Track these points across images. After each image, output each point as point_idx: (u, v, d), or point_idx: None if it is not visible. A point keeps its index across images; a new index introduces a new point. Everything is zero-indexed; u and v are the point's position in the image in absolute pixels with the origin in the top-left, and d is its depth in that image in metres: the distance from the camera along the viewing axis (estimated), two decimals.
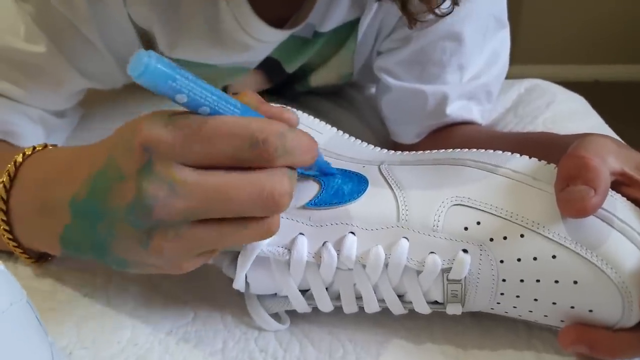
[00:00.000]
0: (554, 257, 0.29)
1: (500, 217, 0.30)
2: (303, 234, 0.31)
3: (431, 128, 0.54)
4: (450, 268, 0.30)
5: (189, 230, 0.26)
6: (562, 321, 0.31)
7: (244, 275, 0.31)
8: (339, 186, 0.32)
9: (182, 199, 0.25)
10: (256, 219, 0.27)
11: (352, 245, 0.30)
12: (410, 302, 0.32)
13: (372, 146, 0.37)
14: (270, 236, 0.28)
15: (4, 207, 0.33)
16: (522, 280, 0.30)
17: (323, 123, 0.38)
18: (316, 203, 0.31)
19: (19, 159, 0.34)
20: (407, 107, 0.54)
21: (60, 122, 0.51)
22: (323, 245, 0.30)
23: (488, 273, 0.30)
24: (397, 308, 0.32)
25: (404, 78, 0.53)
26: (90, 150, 0.30)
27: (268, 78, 0.60)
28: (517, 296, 0.30)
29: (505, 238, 0.29)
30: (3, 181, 0.33)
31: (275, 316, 0.34)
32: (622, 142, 0.32)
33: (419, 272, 0.30)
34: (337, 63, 0.58)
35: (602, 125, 0.62)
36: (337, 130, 0.38)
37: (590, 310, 0.29)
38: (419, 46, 0.51)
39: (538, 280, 0.29)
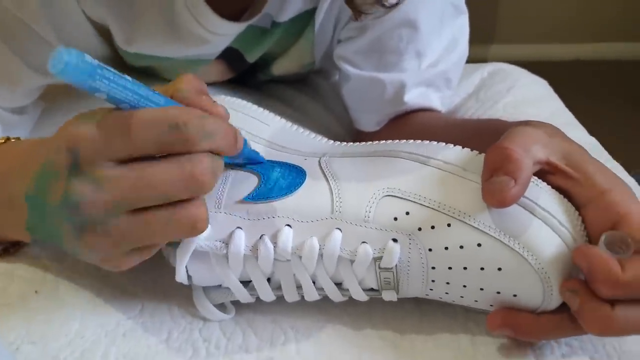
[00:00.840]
0: (479, 245, 0.30)
1: (428, 207, 0.31)
2: (241, 228, 0.32)
3: (390, 116, 0.55)
4: (381, 257, 0.31)
5: (117, 224, 0.27)
6: (491, 305, 0.32)
7: (184, 268, 0.32)
8: (277, 180, 0.33)
9: (107, 194, 0.27)
10: (181, 207, 0.28)
11: (287, 238, 0.31)
12: (348, 290, 0.33)
13: (320, 137, 0.38)
14: (199, 230, 0.29)
15: None
16: (450, 268, 0.31)
17: (272, 115, 0.39)
18: (253, 197, 0.32)
19: None
20: (366, 96, 0.55)
21: (19, 119, 0.51)
22: (260, 238, 0.31)
23: (417, 261, 0.31)
24: (335, 296, 0.33)
25: (363, 66, 0.54)
26: (40, 145, 0.31)
27: (230, 68, 0.60)
28: (447, 283, 0.31)
29: (433, 227, 0.30)
30: None
31: (221, 306, 0.35)
32: (559, 130, 0.33)
33: (352, 262, 0.31)
34: (298, 52, 0.58)
35: (563, 110, 0.63)
36: (286, 121, 0.39)
37: (515, 295, 0.30)
38: (376, 35, 0.52)
39: (465, 268, 0.30)
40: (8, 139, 0.37)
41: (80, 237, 0.28)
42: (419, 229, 0.30)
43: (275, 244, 0.31)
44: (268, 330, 0.34)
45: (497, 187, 0.29)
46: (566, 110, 0.63)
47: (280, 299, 0.34)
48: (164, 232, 0.28)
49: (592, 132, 0.58)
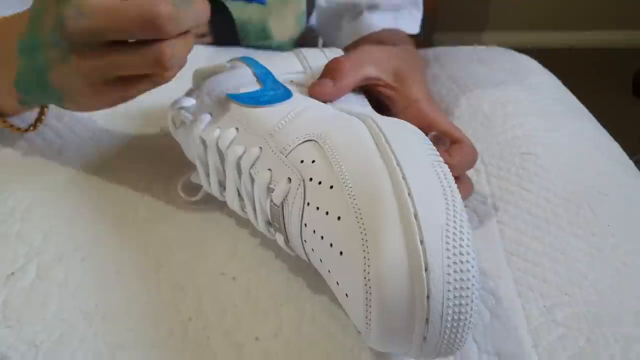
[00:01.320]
0: (339, 218, 0.27)
1: (330, 163, 0.29)
2: (211, 114, 0.36)
3: (358, 36, 0.62)
4: (274, 190, 0.30)
5: (96, 50, 0.32)
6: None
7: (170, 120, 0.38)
8: (262, 95, 0.35)
9: (86, 19, 0.31)
10: (146, 44, 0.31)
11: (227, 137, 0.34)
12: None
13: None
14: (161, 65, 0.32)
15: None
16: (314, 232, 0.28)
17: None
18: (234, 96, 0.35)
19: None
20: (340, 21, 0.64)
21: None
22: (217, 129, 0.35)
23: (297, 212, 0.29)
24: (235, 205, 0.35)
25: None
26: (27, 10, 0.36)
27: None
28: (312, 249, 0.29)
29: (320, 183, 0.28)
30: None
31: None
32: (403, 53, 0.43)
33: (253, 181, 0.32)
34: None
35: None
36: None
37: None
38: None
39: (322, 237, 0.28)
40: None
41: (68, 58, 0.32)
42: (310, 179, 0.29)
43: (219, 137, 0.34)
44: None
45: (322, 84, 0.37)
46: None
47: None
48: (132, 60, 0.32)
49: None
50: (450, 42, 0.68)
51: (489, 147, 0.47)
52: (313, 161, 0.29)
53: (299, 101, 0.35)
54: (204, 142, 0.35)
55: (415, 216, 0.24)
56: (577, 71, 2.05)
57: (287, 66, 0.41)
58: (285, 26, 0.64)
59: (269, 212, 0.31)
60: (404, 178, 0.26)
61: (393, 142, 0.28)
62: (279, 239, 0.32)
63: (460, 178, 0.38)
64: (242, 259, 0.36)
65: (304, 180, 0.29)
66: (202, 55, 0.61)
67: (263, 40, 0.65)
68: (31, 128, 0.44)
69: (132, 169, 0.43)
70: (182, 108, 0.37)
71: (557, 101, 0.56)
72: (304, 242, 0.30)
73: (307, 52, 0.44)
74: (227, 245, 0.37)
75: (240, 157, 0.33)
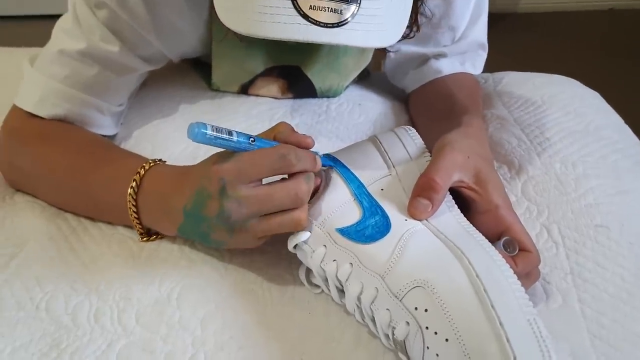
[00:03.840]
0: None
1: (445, 318, 0.37)
2: (325, 246, 0.43)
3: (426, 80, 0.69)
4: (395, 328, 0.38)
5: (253, 224, 0.43)
6: None
7: (293, 247, 0.45)
8: (367, 227, 0.43)
9: (246, 207, 0.42)
10: (290, 212, 0.43)
11: (343, 273, 0.42)
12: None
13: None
14: (300, 226, 0.43)
15: (134, 207, 0.49)
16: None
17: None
18: (342, 231, 0.43)
19: (142, 171, 0.49)
20: (408, 66, 0.70)
21: (121, 108, 0.62)
22: (333, 261, 0.43)
23: (418, 350, 0.38)
24: (357, 316, 0.44)
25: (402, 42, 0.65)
26: (189, 172, 0.46)
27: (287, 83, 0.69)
28: None
29: (436, 333, 0.37)
30: (132, 187, 0.48)
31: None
32: (475, 149, 0.48)
33: (373, 319, 0.41)
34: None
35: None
36: None
37: None
38: None
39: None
40: (156, 161, 0.50)
41: (232, 235, 0.44)
42: (427, 328, 0.37)
43: (337, 270, 0.42)
44: None
45: (420, 206, 0.43)
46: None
47: None
48: (279, 226, 0.43)
49: (627, 85, 0.61)
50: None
51: (564, 217, 0.53)
52: (426, 310, 0.37)
53: (399, 231, 0.42)
54: (323, 271, 0.43)
55: None
56: (617, 33, 2.02)
57: (372, 168, 0.48)
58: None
59: (392, 341, 0.39)
60: (507, 340, 0.34)
61: (492, 294, 0.36)
62: (403, 357, 0.40)
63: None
64: (367, 347, 0.43)
65: (421, 328, 0.37)
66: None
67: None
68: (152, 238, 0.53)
69: (257, 257, 0.50)
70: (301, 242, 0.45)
71: (624, 154, 0.61)
72: None
73: (384, 141, 0.50)
74: (352, 332, 0.44)
75: (360, 294, 0.41)
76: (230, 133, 0.41)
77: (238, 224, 0.43)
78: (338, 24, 0.37)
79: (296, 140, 0.44)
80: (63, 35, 0.55)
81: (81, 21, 0.54)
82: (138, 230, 0.51)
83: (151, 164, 0.50)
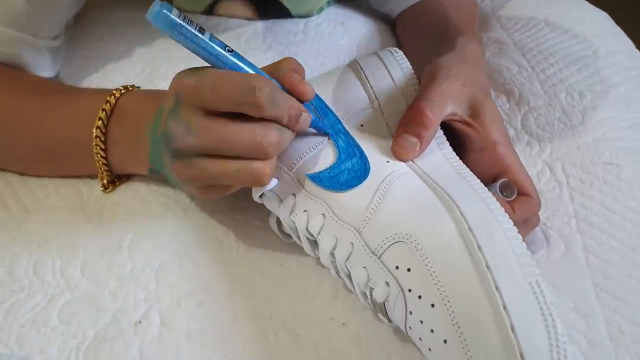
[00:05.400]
0: (444, 341, 0.30)
1: (431, 281, 0.31)
2: (295, 195, 0.37)
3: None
4: (373, 289, 0.33)
5: (198, 161, 0.34)
6: None
7: (258, 196, 0.38)
8: (342, 171, 0.36)
9: (194, 137, 0.33)
10: (249, 162, 0.33)
11: (315, 225, 0.36)
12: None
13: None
14: (261, 183, 0.34)
15: (102, 143, 0.41)
16: (420, 339, 0.32)
17: None
18: (315, 178, 0.36)
19: (113, 99, 0.41)
20: None
21: (58, 43, 0.51)
22: (304, 212, 0.36)
23: (400, 310, 0.32)
24: (332, 272, 0.38)
25: None
26: (161, 93, 0.39)
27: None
28: (420, 339, 0.33)
29: (420, 297, 0.31)
30: (102, 117, 0.40)
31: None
32: (473, 75, 0.41)
33: (350, 272, 0.35)
34: None
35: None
36: None
37: None
38: None
39: (429, 349, 0.32)
40: (127, 87, 0.43)
41: (172, 164, 0.35)
42: (409, 290, 0.31)
43: (307, 222, 0.36)
44: None
45: (407, 145, 0.37)
46: None
47: None
48: (233, 178, 0.34)
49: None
50: None
51: (569, 153, 0.47)
52: (408, 269, 0.31)
53: (379, 176, 0.35)
54: (293, 222, 0.37)
55: (521, 355, 0.27)
56: None
57: (350, 100, 0.41)
58: None
59: (370, 301, 0.34)
60: (504, 307, 0.28)
61: (487, 252, 0.30)
62: (383, 319, 0.35)
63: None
64: (344, 301, 0.38)
65: (402, 290, 0.31)
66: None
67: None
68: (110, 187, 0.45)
69: (222, 200, 0.44)
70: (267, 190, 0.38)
71: (638, 82, 0.54)
72: (408, 328, 0.33)
73: (365, 67, 0.42)
74: (328, 284, 0.39)
75: (333, 249, 0.35)
76: (202, 30, 0.32)
77: (181, 155, 0.34)
78: None
79: (289, 83, 0.34)
80: None
81: None
82: (102, 176, 0.44)
83: (122, 91, 0.42)
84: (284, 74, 0.35)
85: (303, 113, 0.35)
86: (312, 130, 0.38)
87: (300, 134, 0.37)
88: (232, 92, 0.32)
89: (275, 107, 0.33)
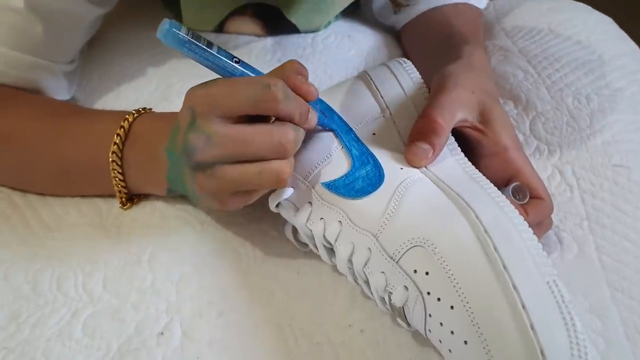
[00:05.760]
0: (465, 342, 0.31)
1: (449, 282, 0.31)
2: (310, 203, 0.37)
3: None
4: (392, 293, 0.34)
5: (219, 170, 0.34)
6: None
7: (275, 206, 0.39)
8: (357, 179, 0.37)
9: (216, 147, 0.34)
10: (269, 163, 0.34)
11: (332, 233, 0.36)
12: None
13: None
14: (282, 182, 0.35)
15: (118, 167, 0.42)
16: (440, 341, 0.33)
17: None
18: (330, 186, 0.37)
19: (126, 123, 0.42)
20: None
21: (73, 67, 0.53)
22: (320, 219, 0.37)
23: (419, 313, 0.33)
24: (349, 279, 0.38)
25: None
26: (172, 115, 0.39)
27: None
28: (440, 341, 0.33)
29: (439, 299, 0.32)
30: (117, 138, 0.41)
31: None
32: (481, 82, 0.42)
33: (367, 279, 0.35)
34: None
35: None
36: None
37: None
38: None
39: (450, 350, 0.32)
40: (140, 111, 0.43)
41: (195, 177, 0.35)
42: (428, 293, 0.32)
43: (324, 229, 0.37)
44: None
45: (419, 152, 0.37)
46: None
47: None
48: (256, 181, 0.35)
49: None
50: None
51: (579, 156, 0.48)
52: (427, 273, 0.32)
53: (394, 182, 0.36)
54: (310, 230, 0.38)
55: (542, 352, 0.27)
56: None
57: (362, 109, 0.41)
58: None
59: (389, 306, 0.35)
60: (523, 307, 0.28)
61: (503, 253, 0.31)
62: (401, 322, 0.35)
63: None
64: (362, 308, 0.39)
65: (421, 293, 0.32)
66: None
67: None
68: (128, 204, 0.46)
69: (239, 212, 0.45)
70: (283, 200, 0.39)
71: None
72: (427, 331, 0.33)
73: (375, 77, 0.43)
74: (345, 291, 0.40)
75: (351, 255, 0.36)
76: (210, 45, 0.34)
77: (202, 166, 0.35)
78: None
79: (293, 84, 0.35)
80: None
81: None
82: (119, 195, 0.44)
83: (135, 115, 0.43)
84: (288, 76, 0.36)
85: (310, 110, 0.36)
86: (319, 128, 0.39)
87: (314, 143, 0.38)
88: (248, 94, 0.33)
89: (290, 101, 0.34)
